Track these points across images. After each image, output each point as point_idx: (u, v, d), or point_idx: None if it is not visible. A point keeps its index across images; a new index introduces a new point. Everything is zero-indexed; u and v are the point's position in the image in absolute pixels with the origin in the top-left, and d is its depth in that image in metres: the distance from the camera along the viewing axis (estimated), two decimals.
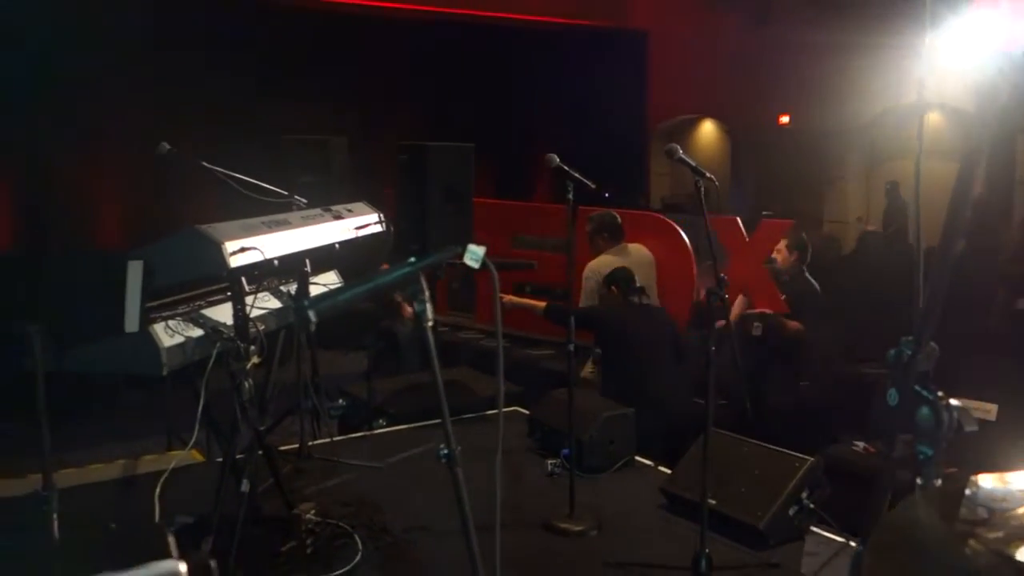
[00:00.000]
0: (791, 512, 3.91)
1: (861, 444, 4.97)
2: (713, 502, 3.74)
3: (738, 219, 7.50)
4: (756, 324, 5.81)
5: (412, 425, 5.56)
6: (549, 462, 4.76)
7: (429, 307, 1.75)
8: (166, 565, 0.94)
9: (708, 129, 15.12)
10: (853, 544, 3.84)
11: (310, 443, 4.97)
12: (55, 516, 3.08)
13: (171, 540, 0.89)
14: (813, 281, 6.12)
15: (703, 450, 3.54)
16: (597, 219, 6.29)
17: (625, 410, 4.85)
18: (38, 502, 3.32)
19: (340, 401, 5.85)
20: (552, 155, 3.99)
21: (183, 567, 0.94)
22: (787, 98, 12.59)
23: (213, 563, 0.89)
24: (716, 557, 3.60)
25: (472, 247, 1.77)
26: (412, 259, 1.73)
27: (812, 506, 3.94)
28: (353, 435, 5.42)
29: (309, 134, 5.56)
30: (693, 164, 3.51)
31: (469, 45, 11.95)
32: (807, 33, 11.47)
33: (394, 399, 5.83)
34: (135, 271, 2.94)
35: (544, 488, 4.58)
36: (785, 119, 12.98)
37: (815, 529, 4.01)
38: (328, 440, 5.02)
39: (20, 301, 2.76)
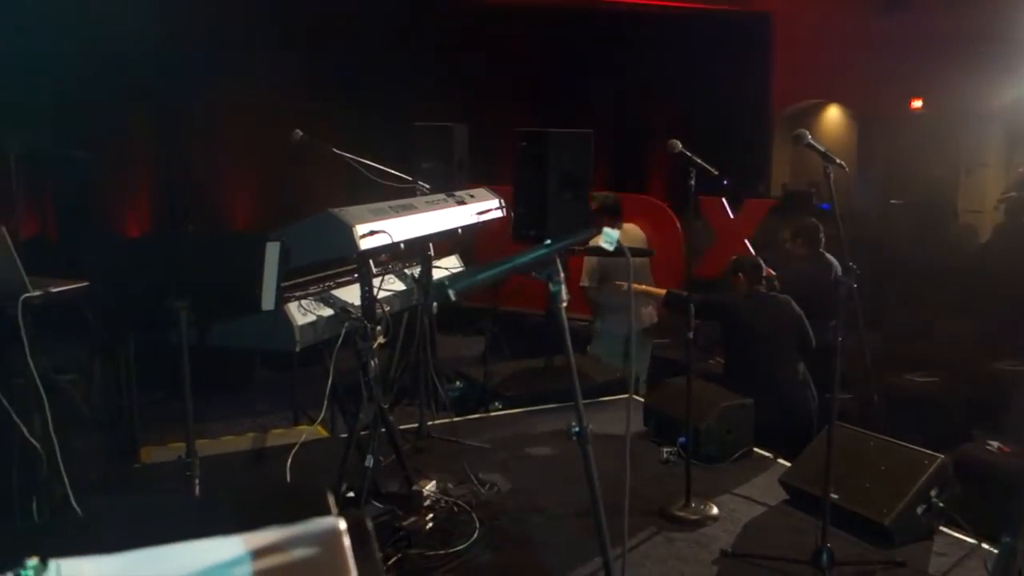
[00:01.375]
0: (919, 510, 3.78)
1: (995, 444, 4.75)
2: (835, 497, 3.66)
3: (723, 199, 7.86)
4: None
5: (527, 408, 5.63)
6: (664, 450, 4.74)
7: (563, 288, 1.79)
8: (326, 522, 1.00)
9: (834, 114, 14.60)
10: (986, 546, 3.68)
11: (429, 423, 5.10)
12: (196, 481, 3.29)
13: (331, 499, 0.95)
14: (833, 262, 5.85)
15: (827, 443, 3.46)
16: (601, 199, 6.16)
17: (744, 400, 4.78)
18: (181, 468, 3.55)
19: (457, 383, 5.98)
20: (675, 141, 3.95)
21: (343, 524, 1.00)
22: (919, 81, 12.03)
23: (370, 522, 0.94)
24: (838, 552, 3.52)
25: (607, 230, 1.80)
26: (548, 241, 1.77)
27: (942, 505, 3.79)
28: (470, 416, 5.52)
29: (435, 121, 5.65)
30: (822, 150, 3.41)
31: (589, 32, 11.90)
32: (940, 16, 10.93)
33: (510, 382, 5.91)
34: (273, 252, 3.09)
35: (659, 475, 4.56)
36: (918, 103, 12.40)
37: (944, 529, 3.87)
38: (446, 421, 5.13)
39: (169, 280, 2.93)
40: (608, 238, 1.78)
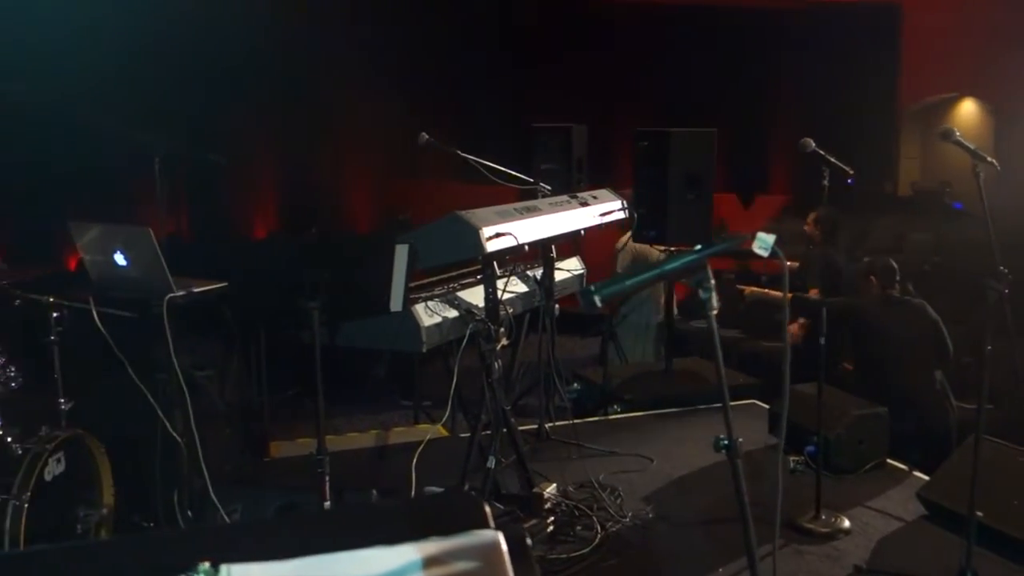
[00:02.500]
0: None
1: None
2: (980, 514, 3.45)
3: (736, 196, 8.59)
4: None
5: (647, 412, 5.55)
6: (791, 459, 4.58)
7: (714, 296, 1.73)
8: (486, 535, 0.98)
9: (968, 109, 13.82)
10: None
11: (547, 425, 5.09)
12: (327, 478, 3.36)
13: (488, 510, 0.94)
14: (837, 259, 6.13)
15: (974, 457, 3.27)
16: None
17: (878, 409, 4.57)
18: (310, 464, 3.63)
19: (575, 385, 5.95)
20: (808, 140, 3.82)
21: (502, 537, 0.98)
22: None
23: (528, 538, 0.93)
24: (984, 574, 3.32)
25: (761, 235, 1.73)
26: (698, 247, 1.71)
27: None
28: (589, 419, 5.48)
29: (552, 122, 5.65)
30: (972, 147, 3.23)
31: (708, 28, 11.66)
32: None
33: (628, 386, 5.83)
34: (402, 254, 3.13)
35: (786, 485, 4.41)
36: None
37: None
38: (565, 423, 5.10)
39: (303, 281, 3.00)
40: (763, 243, 1.71)
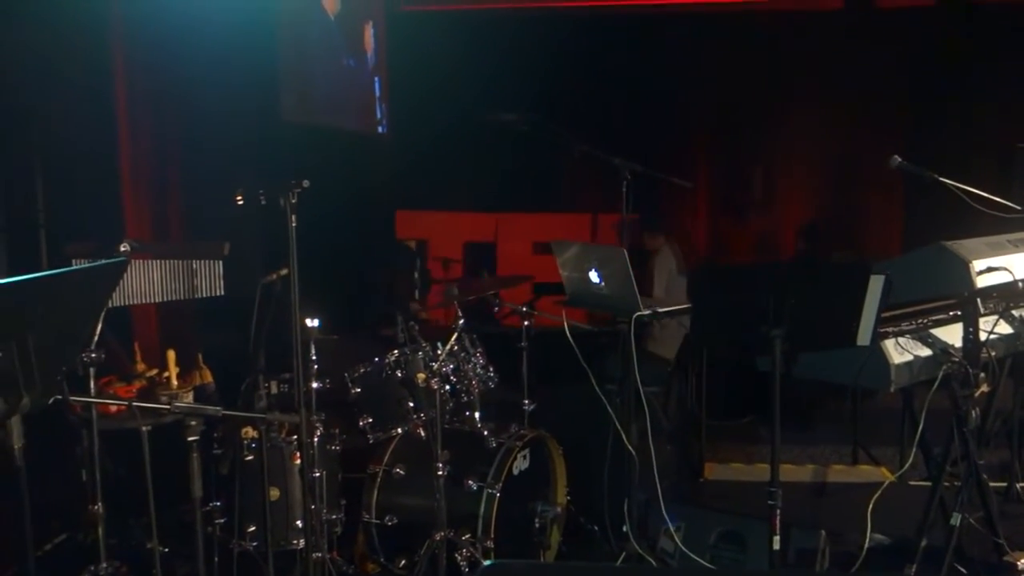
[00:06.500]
0: None
1: None
2: None
3: None
4: None
5: None
6: None
7: None
8: None
9: None
10: None
11: (1019, 485, 4.47)
12: (778, 511, 3.25)
13: None
14: None
15: None
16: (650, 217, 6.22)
17: None
18: (759, 494, 3.56)
19: None
20: None
21: None
22: None
23: None
24: None
25: None
26: None
27: None
28: None
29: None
30: None
31: None
32: None
33: None
34: (876, 285, 2.92)
35: None
36: None
37: None
38: None
39: (770, 308, 2.93)
40: None
